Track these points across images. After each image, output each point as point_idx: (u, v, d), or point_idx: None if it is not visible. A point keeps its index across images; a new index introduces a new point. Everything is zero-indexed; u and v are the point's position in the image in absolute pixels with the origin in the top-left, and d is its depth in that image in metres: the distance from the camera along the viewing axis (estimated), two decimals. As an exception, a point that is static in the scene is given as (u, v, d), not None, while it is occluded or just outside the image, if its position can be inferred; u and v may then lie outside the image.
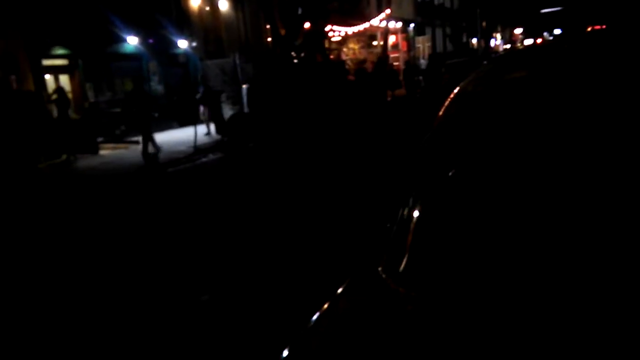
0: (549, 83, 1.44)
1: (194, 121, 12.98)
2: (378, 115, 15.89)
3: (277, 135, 12.13)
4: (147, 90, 13.37)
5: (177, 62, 17.54)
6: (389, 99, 20.76)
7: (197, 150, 11.82)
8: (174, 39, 16.93)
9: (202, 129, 13.88)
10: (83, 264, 5.08)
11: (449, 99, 1.56)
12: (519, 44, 57.80)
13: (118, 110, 13.92)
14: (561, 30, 76.89)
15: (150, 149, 10.75)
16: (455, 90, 1.64)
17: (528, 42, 62.44)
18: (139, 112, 10.66)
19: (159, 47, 16.44)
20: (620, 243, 1.04)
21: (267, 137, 12.24)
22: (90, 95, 14.66)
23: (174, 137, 13.85)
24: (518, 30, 68.40)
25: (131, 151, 12.37)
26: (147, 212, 6.99)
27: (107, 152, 12.91)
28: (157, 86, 16.97)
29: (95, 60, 14.45)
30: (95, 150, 12.68)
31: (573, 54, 1.86)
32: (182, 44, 17.13)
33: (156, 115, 11.92)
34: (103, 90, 15.07)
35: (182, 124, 15.14)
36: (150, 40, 15.99)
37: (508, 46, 52.67)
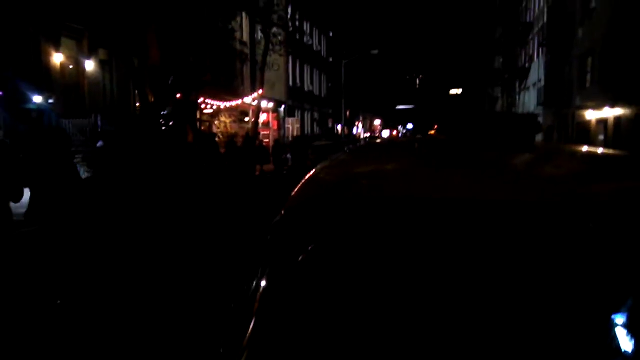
0: (392, 180, 1.57)
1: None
2: (245, 188, 15.93)
3: (132, 201, 11.38)
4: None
5: (29, 117, 16.03)
6: (257, 173, 21.14)
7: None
8: (29, 93, 15.58)
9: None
10: None
11: (302, 183, 1.62)
12: (377, 133, 63.46)
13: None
14: (412, 125, 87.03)
15: None
16: (309, 176, 1.71)
17: (385, 132, 69.06)
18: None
19: (8, 100, 14.96)
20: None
21: (121, 203, 11.41)
22: None
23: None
24: (377, 122, 75.41)
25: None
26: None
27: None
28: (0, 141, 15.25)
29: None
30: None
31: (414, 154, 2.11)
32: (37, 99, 15.81)
33: None
34: None
35: (28, 185, 13.63)
36: (-1, 93, 14.57)
37: (368, 134, 57.49)
